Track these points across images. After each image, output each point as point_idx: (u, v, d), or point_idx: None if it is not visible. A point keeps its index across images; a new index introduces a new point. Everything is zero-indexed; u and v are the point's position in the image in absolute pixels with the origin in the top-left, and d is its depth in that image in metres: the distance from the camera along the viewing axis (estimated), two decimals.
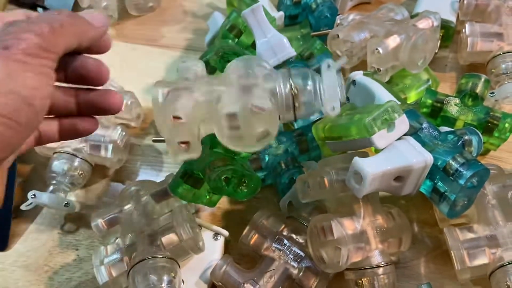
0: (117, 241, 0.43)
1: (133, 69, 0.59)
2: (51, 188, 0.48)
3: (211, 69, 0.50)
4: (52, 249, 0.49)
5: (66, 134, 0.34)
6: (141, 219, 0.43)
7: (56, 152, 0.50)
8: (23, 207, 0.46)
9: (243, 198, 0.42)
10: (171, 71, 0.61)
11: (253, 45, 0.53)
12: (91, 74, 0.32)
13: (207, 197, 0.44)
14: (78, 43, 0.29)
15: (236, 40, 0.53)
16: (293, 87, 0.34)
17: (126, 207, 0.44)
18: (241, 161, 0.42)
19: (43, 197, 0.46)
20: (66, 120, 0.34)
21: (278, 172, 0.46)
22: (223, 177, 0.39)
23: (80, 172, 0.50)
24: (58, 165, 0.49)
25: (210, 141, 0.42)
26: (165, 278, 0.39)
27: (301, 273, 0.42)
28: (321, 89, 0.34)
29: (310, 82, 0.35)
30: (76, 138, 0.35)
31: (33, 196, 0.45)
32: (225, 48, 0.50)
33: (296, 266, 0.42)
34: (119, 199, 0.46)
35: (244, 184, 0.41)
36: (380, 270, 0.39)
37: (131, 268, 0.39)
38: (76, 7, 0.68)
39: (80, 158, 0.50)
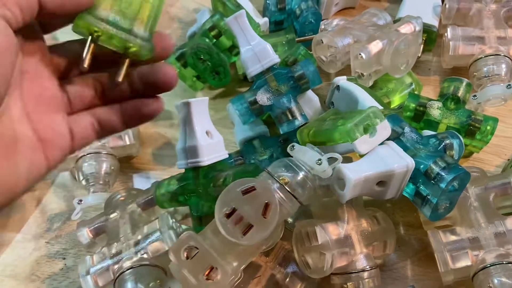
0: (103, 250, 0.43)
1: None
2: (91, 189, 0.49)
3: (185, 62, 0.54)
4: (40, 258, 0.48)
5: (130, 120, 0.33)
6: (127, 228, 0.43)
7: (80, 158, 0.50)
8: (73, 216, 0.46)
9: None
10: None
11: (230, 49, 0.55)
12: (161, 79, 0.32)
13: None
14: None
15: (215, 40, 0.54)
16: (280, 180, 0.36)
17: (111, 216, 0.44)
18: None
19: (89, 200, 0.47)
20: (128, 104, 0.33)
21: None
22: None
23: (111, 167, 0.50)
24: (87, 166, 0.49)
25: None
26: (151, 286, 0.39)
27: (288, 279, 0.42)
28: (300, 163, 0.37)
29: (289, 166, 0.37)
30: (142, 123, 0.34)
31: (79, 202, 0.46)
32: (200, 46, 0.52)
33: (282, 271, 0.42)
34: (104, 207, 0.46)
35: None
36: (365, 274, 0.40)
37: (117, 277, 0.39)
38: None
39: (105, 153, 0.50)
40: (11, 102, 0.28)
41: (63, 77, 0.33)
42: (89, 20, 0.30)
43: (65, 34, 0.68)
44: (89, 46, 0.31)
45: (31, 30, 0.30)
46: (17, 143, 0.28)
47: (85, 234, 0.44)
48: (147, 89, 0.33)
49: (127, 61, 0.32)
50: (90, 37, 0.30)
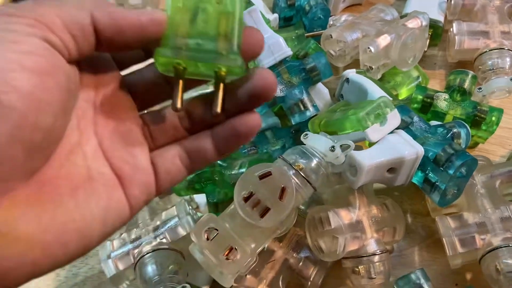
0: (122, 235, 0.44)
1: None
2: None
3: None
4: None
5: (226, 145, 0.28)
6: (146, 214, 0.45)
7: (137, 261, 0.42)
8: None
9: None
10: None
11: None
12: (259, 87, 0.27)
13: None
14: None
15: None
16: (295, 166, 0.37)
17: None
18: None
19: None
20: (220, 127, 0.28)
21: None
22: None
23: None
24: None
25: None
26: (171, 269, 0.41)
27: (301, 263, 0.44)
28: (314, 150, 0.38)
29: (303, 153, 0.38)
30: (240, 145, 0.29)
31: None
32: None
33: (295, 256, 0.44)
34: None
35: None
36: (376, 258, 0.41)
37: (138, 260, 0.41)
38: None
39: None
40: (84, 138, 0.26)
41: (143, 108, 0.30)
42: (167, 54, 0.26)
43: None
44: (178, 83, 0.27)
45: (102, 62, 0.28)
46: (91, 182, 0.26)
47: None
48: (243, 104, 0.28)
49: (221, 87, 0.27)
50: (175, 74, 0.26)
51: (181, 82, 0.27)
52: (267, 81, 0.27)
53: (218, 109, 0.27)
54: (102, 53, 0.28)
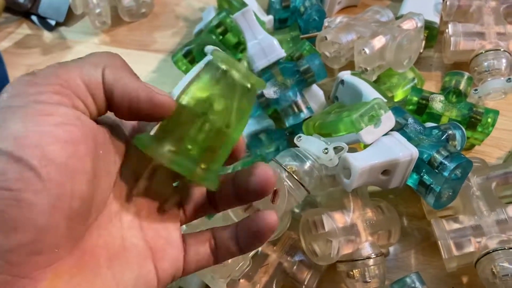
0: None
1: None
2: None
3: (192, 58, 0.55)
4: None
5: (244, 241, 0.28)
6: None
7: None
8: None
9: None
10: (164, 75, 0.63)
11: (236, 46, 0.56)
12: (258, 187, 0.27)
13: None
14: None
15: (221, 37, 0.55)
16: (287, 168, 0.37)
17: None
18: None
19: None
20: (241, 222, 0.29)
21: None
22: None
23: None
24: None
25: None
26: None
27: (295, 267, 0.43)
28: (307, 152, 0.38)
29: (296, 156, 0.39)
30: (256, 244, 0.29)
31: None
32: (207, 43, 0.53)
33: (289, 260, 0.43)
34: None
35: None
36: (371, 261, 0.41)
37: None
38: (70, 15, 0.69)
39: None
40: (124, 207, 0.27)
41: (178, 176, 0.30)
42: (153, 147, 0.26)
43: (71, 33, 0.69)
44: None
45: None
46: (125, 252, 0.26)
47: None
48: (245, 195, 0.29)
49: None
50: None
51: (149, 171, 0.28)
52: (261, 180, 0.28)
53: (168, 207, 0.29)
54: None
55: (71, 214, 0.22)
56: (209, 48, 0.28)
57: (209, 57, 0.27)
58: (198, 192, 0.30)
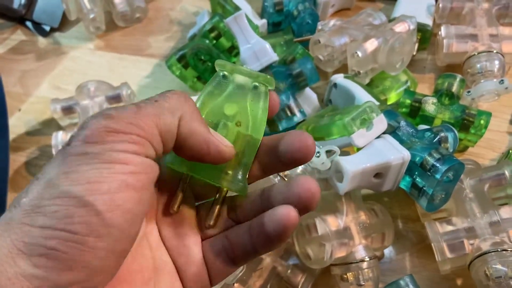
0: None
1: (121, 78, 0.61)
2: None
3: (186, 63, 0.55)
4: None
5: (257, 240, 0.27)
6: None
7: None
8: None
9: None
10: (158, 80, 0.63)
11: (229, 50, 0.56)
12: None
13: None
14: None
15: (214, 41, 0.55)
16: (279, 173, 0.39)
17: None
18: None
19: None
20: (254, 220, 0.28)
21: None
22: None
23: None
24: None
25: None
26: None
27: (289, 271, 0.43)
28: None
29: None
30: (270, 246, 0.28)
31: None
32: (201, 47, 0.53)
33: (283, 264, 0.43)
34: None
35: None
36: (364, 264, 0.41)
37: None
38: (64, 21, 0.69)
39: None
40: (149, 228, 0.28)
41: (199, 198, 0.31)
42: (177, 163, 0.27)
43: (65, 38, 0.69)
44: (181, 186, 0.29)
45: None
46: (157, 272, 0.27)
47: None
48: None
49: (219, 201, 0.29)
50: (180, 179, 0.28)
51: (182, 184, 0.28)
52: (308, 189, 0.26)
53: (211, 222, 0.28)
54: None
55: (124, 254, 0.23)
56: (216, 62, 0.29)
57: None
58: (218, 208, 0.29)
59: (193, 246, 0.29)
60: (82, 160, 0.22)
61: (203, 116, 0.27)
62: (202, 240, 0.29)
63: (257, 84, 0.27)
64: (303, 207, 0.26)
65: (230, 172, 0.27)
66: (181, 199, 0.28)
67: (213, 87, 0.28)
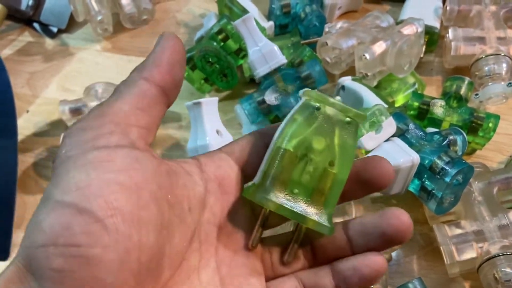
0: None
1: None
2: None
3: (193, 65, 0.55)
4: None
5: (346, 283, 0.26)
6: None
7: None
8: None
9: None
10: None
11: (237, 52, 0.56)
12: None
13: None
14: None
15: (222, 44, 0.55)
16: None
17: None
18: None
19: None
20: (342, 263, 0.26)
21: None
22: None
23: None
24: None
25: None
26: None
27: None
28: None
29: None
30: (361, 286, 0.26)
31: None
32: (209, 49, 0.53)
33: None
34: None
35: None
36: None
37: None
38: (72, 22, 0.69)
39: None
40: (203, 262, 0.25)
41: (265, 228, 0.29)
42: (258, 195, 0.26)
43: (73, 40, 0.69)
44: (259, 220, 0.27)
45: (229, 183, 0.27)
46: None
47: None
48: (371, 243, 0.26)
49: (299, 237, 0.27)
50: (259, 213, 0.27)
51: (262, 219, 0.27)
52: (400, 223, 0.25)
53: (290, 259, 0.27)
54: (229, 172, 0.27)
55: (140, 269, 0.21)
56: (301, 91, 0.28)
57: (302, 100, 0.27)
58: (297, 247, 0.27)
59: (254, 285, 0.26)
60: (68, 166, 0.21)
61: (291, 149, 0.26)
62: (267, 280, 0.27)
63: (349, 119, 0.26)
64: (398, 241, 0.25)
65: (315, 210, 0.26)
66: (261, 235, 0.27)
67: (303, 118, 0.26)
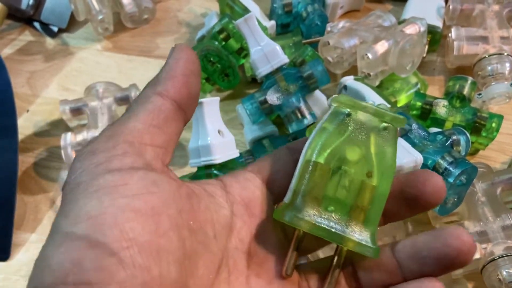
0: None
1: (130, 79, 0.60)
2: None
3: None
4: None
5: None
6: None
7: None
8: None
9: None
10: None
11: (238, 51, 0.56)
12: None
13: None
14: None
15: (223, 43, 0.55)
16: None
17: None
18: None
19: None
20: None
21: None
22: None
23: None
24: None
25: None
26: None
27: None
28: None
29: None
30: None
31: None
32: (210, 48, 0.53)
33: None
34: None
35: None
36: None
37: None
38: (72, 21, 0.69)
39: None
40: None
41: (301, 254, 0.26)
42: (290, 216, 0.23)
43: (73, 39, 0.69)
44: (293, 245, 0.24)
45: (257, 205, 0.25)
46: None
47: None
48: (427, 266, 0.23)
49: (340, 262, 0.24)
50: (293, 236, 0.24)
51: (295, 242, 0.24)
52: (462, 243, 0.22)
53: (331, 287, 0.24)
54: (256, 193, 0.25)
55: None
56: (329, 98, 0.25)
57: (331, 107, 0.24)
58: (338, 272, 0.25)
59: None
60: (77, 193, 0.19)
61: (322, 161, 0.23)
62: None
63: (386, 124, 0.24)
64: (459, 265, 0.22)
65: (356, 230, 0.23)
66: (296, 261, 0.24)
67: (334, 127, 0.24)
